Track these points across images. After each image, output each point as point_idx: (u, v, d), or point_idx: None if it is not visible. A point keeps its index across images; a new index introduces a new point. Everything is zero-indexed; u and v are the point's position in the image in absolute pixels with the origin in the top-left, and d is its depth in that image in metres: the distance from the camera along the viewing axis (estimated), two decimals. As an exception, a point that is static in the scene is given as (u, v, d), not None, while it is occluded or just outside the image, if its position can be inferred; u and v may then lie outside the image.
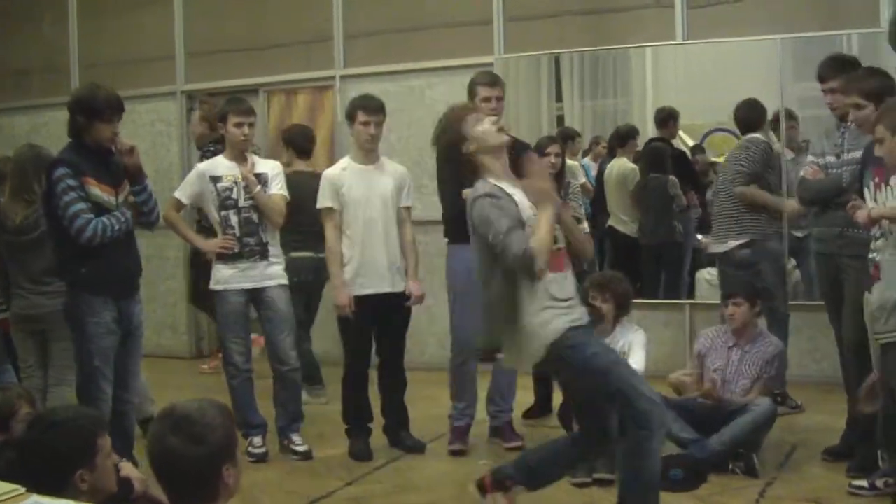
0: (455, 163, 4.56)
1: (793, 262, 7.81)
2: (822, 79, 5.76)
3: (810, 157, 5.86)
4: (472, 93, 6.11)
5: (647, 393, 4.29)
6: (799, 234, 7.75)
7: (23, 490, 2.95)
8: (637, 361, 5.83)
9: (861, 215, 4.72)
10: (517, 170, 4.57)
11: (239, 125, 6.11)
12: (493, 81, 6.17)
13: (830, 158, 5.62)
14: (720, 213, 6.88)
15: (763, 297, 6.62)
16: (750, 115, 6.95)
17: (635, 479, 4.36)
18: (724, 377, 5.82)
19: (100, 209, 5.11)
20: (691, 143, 8.67)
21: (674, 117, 8.41)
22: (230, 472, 2.84)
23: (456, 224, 6.06)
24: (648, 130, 8.68)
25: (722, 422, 5.56)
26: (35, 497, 2.91)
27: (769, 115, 7.31)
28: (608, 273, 6.43)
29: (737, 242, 6.68)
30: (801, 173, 5.90)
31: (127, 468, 3.93)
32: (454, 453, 6.11)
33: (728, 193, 6.81)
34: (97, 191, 5.12)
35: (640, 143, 8.66)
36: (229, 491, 2.86)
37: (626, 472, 4.44)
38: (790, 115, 7.74)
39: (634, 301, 6.43)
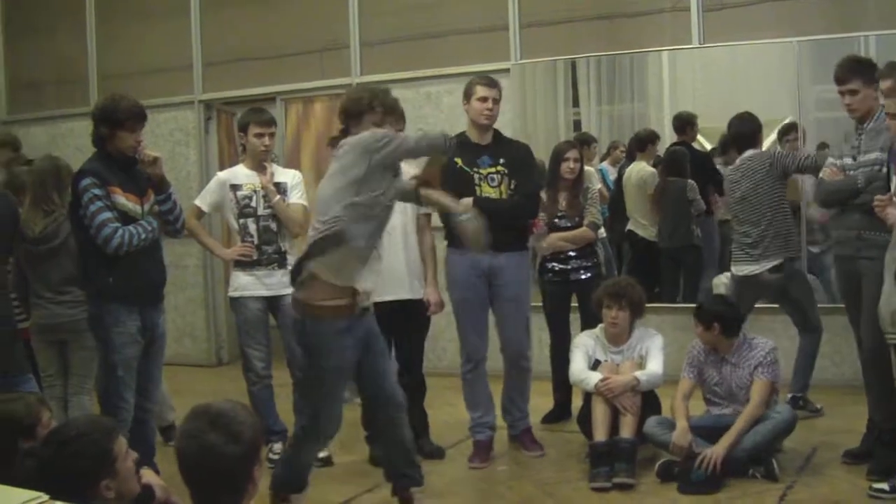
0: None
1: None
2: (839, 80, 5.73)
3: (830, 160, 5.83)
4: (468, 92, 6.09)
5: (334, 416, 4.84)
6: (815, 249, 7.73)
7: (46, 497, 2.96)
8: (655, 365, 5.84)
9: (892, 214, 4.70)
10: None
11: (259, 136, 6.16)
12: (492, 82, 6.12)
13: (848, 160, 5.60)
14: (748, 237, 6.57)
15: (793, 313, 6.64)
16: (745, 129, 6.72)
17: (285, 463, 5.02)
18: (725, 391, 5.78)
19: (126, 218, 5.14)
20: (709, 146, 8.65)
21: (691, 123, 8.40)
22: (259, 470, 2.86)
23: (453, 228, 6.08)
24: (666, 134, 8.67)
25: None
26: (58, 504, 2.93)
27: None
28: (621, 280, 6.36)
29: (770, 264, 6.53)
30: (820, 175, 5.88)
31: (148, 475, 3.93)
32: (476, 469, 6.07)
33: (761, 213, 6.51)
34: (123, 200, 5.15)
35: (661, 147, 8.65)
36: (256, 489, 2.87)
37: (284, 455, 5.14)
38: (793, 128, 7.68)
39: (653, 305, 6.42)
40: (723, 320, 5.75)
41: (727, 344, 5.77)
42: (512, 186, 6.01)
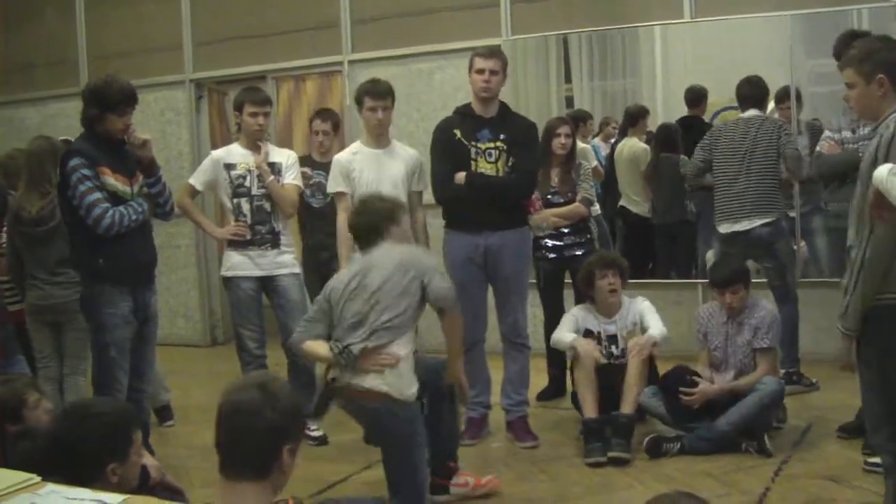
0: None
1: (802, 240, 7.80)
2: (836, 56, 5.70)
3: (827, 133, 5.82)
4: (469, 65, 6.01)
5: None
6: (792, 214, 7.73)
7: (38, 479, 2.96)
8: (656, 328, 5.87)
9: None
10: None
11: (254, 115, 6.12)
12: (490, 53, 6.00)
13: (847, 133, 5.60)
14: (744, 193, 6.60)
15: (773, 275, 6.63)
16: (755, 92, 6.74)
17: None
18: (723, 354, 5.82)
19: (115, 199, 5.12)
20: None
21: (704, 96, 8.37)
22: (289, 455, 2.76)
23: (450, 208, 6.03)
24: (658, 110, 8.65)
25: (728, 403, 5.58)
26: (50, 486, 2.93)
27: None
28: (605, 252, 6.46)
29: (761, 221, 6.57)
30: (818, 148, 5.86)
31: (144, 456, 3.93)
32: (467, 446, 6.05)
33: (759, 172, 6.55)
34: (112, 180, 5.13)
35: (652, 122, 8.63)
36: (283, 477, 2.78)
37: None
38: (788, 96, 7.65)
39: (647, 281, 6.44)
40: (749, 282, 5.89)
41: (744, 304, 5.86)
42: (510, 163, 5.96)
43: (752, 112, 6.67)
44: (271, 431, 2.73)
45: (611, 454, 5.48)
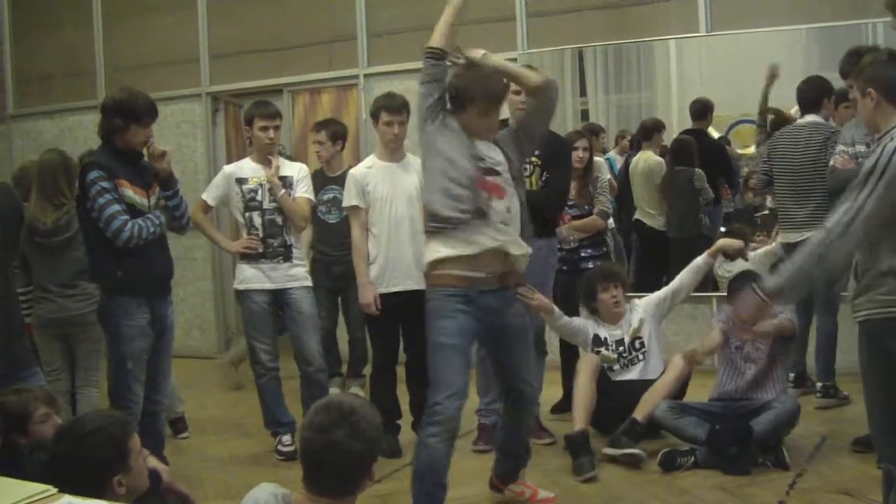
0: None
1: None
2: (841, 74, 5.71)
3: (840, 147, 5.80)
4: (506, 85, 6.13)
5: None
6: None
7: (55, 490, 2.97)
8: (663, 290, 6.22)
9: None
10: None
11: (264, 129, 6.15)
12: None
13: (861, 148, 5.58)
14: (797, 205, 6.51)
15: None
16: (809, 95, 6.61)
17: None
18: (746, 353, 5.83)
19: (133, 211, 5.13)
20: (717, 135, 8.64)
21: (711, 108, 8.36)
22: (376, 466, 2.99)
23: None
24: (673, 123, 8.65)
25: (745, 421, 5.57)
26: (67, 497, 2.93)
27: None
28: (606, 265, 6.51)
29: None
30: (832, 162, 5.84)
31: (152, 460, 3.94)
32: (480, 452, 6.08)
33: (809, 184, 6.40)
34: (131, 192, 5.14)
35: (667, 136, 8.63)
36: (370, 483, 3.00)
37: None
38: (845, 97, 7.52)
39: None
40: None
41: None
42: (543, 178, 6.07)
43: (808, 118, 6.56)
44: (361, 460, 2.93)
45: (626, 451, 5.58)
